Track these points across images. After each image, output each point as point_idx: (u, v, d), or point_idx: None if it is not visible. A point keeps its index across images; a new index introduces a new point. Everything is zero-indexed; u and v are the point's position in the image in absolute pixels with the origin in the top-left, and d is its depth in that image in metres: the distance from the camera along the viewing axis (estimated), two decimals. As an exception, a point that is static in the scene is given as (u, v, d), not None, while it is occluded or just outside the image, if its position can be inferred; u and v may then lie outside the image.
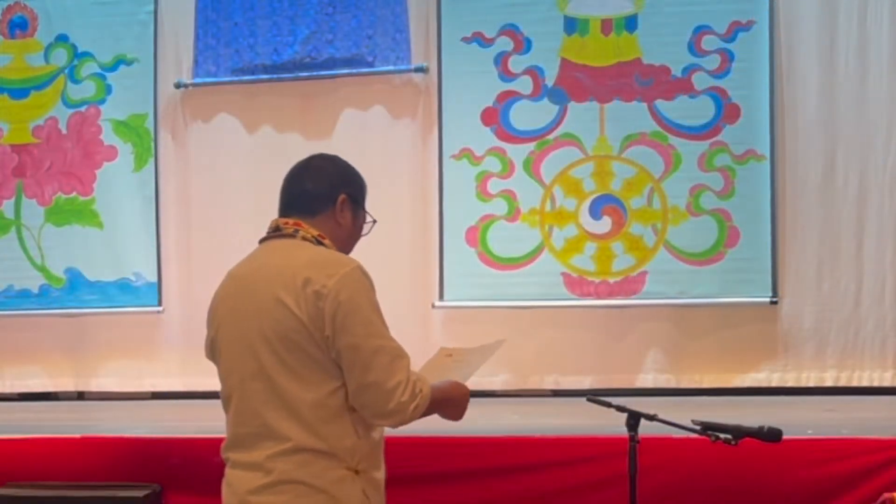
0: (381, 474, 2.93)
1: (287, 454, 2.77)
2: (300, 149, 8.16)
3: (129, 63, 8.35)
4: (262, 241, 3.03)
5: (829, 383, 7.54)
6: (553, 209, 7.76)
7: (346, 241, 3.01)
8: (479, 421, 6.48)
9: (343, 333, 2.74)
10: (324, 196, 3.01)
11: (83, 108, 8.40)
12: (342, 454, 2.80)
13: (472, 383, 8.51)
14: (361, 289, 2.80)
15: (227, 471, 2.90)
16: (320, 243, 2.93)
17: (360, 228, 3.05)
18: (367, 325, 2.76)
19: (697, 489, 5.00)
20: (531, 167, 7.78)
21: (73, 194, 8.38)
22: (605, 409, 3.40)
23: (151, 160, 8.30)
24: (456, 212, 7.88)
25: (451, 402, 2.95)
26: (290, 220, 2.99)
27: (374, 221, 3.09)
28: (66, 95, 8.42)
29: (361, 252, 8.68)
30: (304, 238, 2.93)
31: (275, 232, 3.00)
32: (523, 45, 7.83)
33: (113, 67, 8.37)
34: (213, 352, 2.98)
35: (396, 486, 5.22)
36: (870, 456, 4.95)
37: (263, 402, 2.78)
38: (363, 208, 3.06)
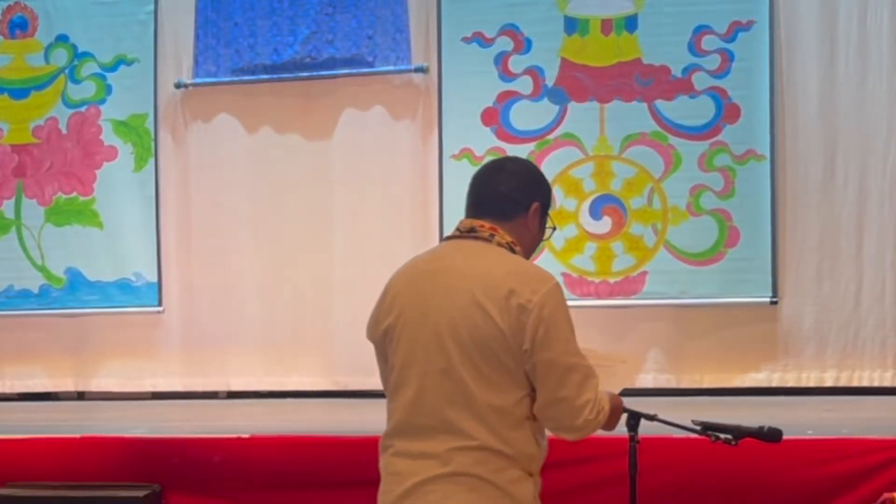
0: (541, 481, 2.97)
1: (469, 450, 2.80)
2: (300, 149, 8.28)
3: (129, 63, 8.35)
4: (449, 238, 3.08)
5: (829, 383, 7.54)
6: (553, 209, 7.75)
7: (531, 247, 3.04)
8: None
9: (542, 349, 2.77)
10: (518, 202, 3.00)
11: (83, 109, 8.40)
12: (522, 459, 2.84)
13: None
14: (562, 306, 2.84)
15: (390, 458, 2.91)
16: (512, 250, 2.95)
17: (544, 232, 3.08)
18: (565, 343, 2.80)
19: (697, 489, 5.01)
20: (531, 167, 7.77)
21: (74, 194, 8.38)
22: (604, 409, 3.40)
23: (151, 160, 8.30)
24: (456, 212, 7.83)
25: (615, 413, 3.00)
26: (486, 224, 2.97)
27: (554, 228, 3.14)
28: (67, 95, 8.42)
29: (361, 252, 8.69)
30: (499, 244, 2.94)
31: (469, 232, 2.99)
32: (523, 45, 7.83)
33: (113, 67, 8.37)
34: (384, 337, 3.07)
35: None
36: (870, 456, 4.95)
37: (447, 399, 2.81)
38: (549, 214, 3.09)
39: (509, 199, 2.98)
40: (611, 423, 2.97)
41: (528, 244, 3.02)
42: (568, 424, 2.82)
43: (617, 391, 3.05)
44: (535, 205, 3.01)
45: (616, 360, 3.23)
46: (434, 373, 2.83)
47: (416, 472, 2.83)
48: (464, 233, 3.01)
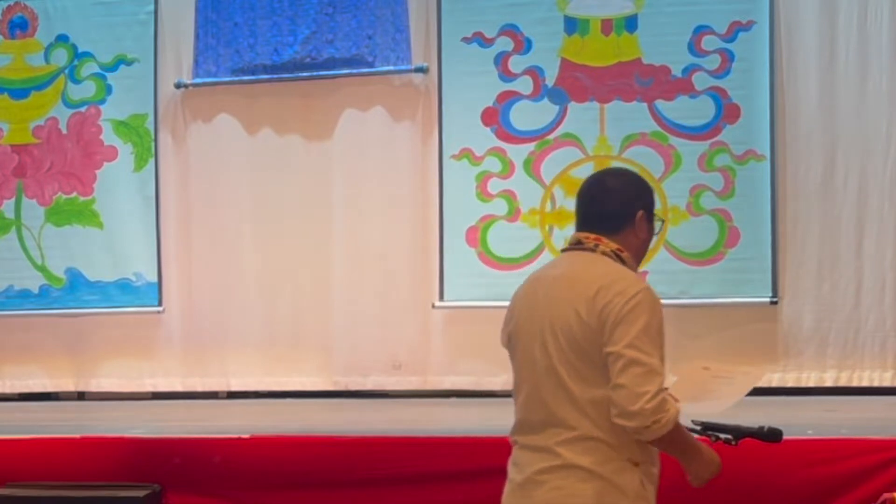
0: (656, 469, 3.15)
1: (574, 441, 3.01)
2: (300, 149, 8.28)
3: (129, 63, 8.35)
4: (563, 250, 3.29)
5: (829, 383, 7.54)
6: (553, 209, 7.76)
7: (642, 249, 3.27)
8: (479, 421, 6.49)
9: (611, 341, 2.98)
10: (622, 215, 3.23)
11: (83, 109, 8.40)
12: (623, 447, 3.01)
13: (473, 383, 8.49)
14: (643, 308, 3.01)
15: (515, 451, 3.14)
16: (618, 256, 3.17)
17: (653, 233, 3.30)
18: (634, 338, 2.97)
19: (697, 489, 5.00)
20: (531, 167, 7.78)
21: (74, 194, 8.38)
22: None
23: (151, 160, 8.30)
24: (456, 212, 7.89)
25: (700, 456, 3.15)
26: (591, 236, 3.20)
27: (663, 221, 3.35)
28: (67, 95, 8.43)
29: (361, 252, 8.68)
30: (603, 252, 3.16)
31: (577, 245, 3.22)
32: (523, 46, 7.83)
33: (113, 67, 8.37)
34: (508, 342, 3.23)
35: (396, 486, 5.25)
36: (870, 456, 4.95)
37: (552, 395, 3.04)
38: (656, 214, 3.30)
39: (612, 215, 3.24)
40: (695, 466, 3.15)
41: (638, 248, 3.26)
42: (625, 409, 2.94)
43: (734, 398, 3.24)
44: (640, 214, 3.24)
45: (737, 372, 3.39)
46: (541, 372, 3.07)
47: (532, 464, 3.06)
48: (573, 245, 3.23)
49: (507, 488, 3.15)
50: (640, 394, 2.93)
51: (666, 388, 3.01)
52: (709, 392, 3.24)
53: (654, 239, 3.31)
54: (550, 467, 3.02)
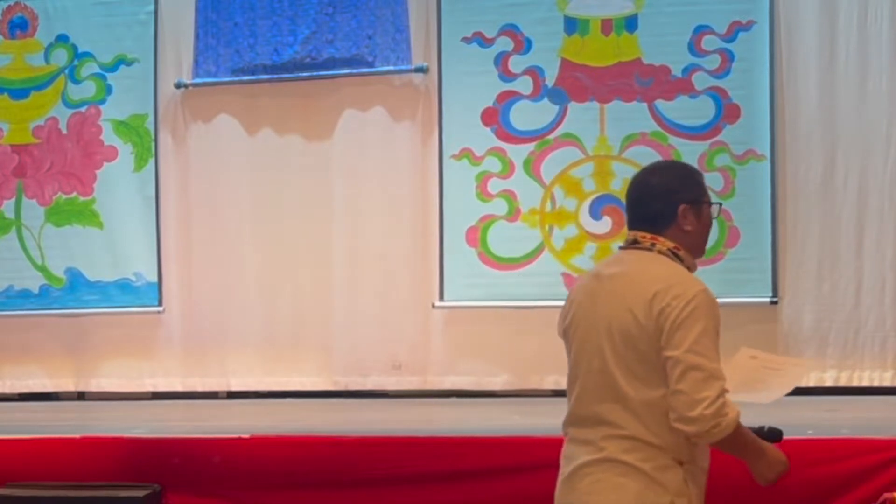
0: (705, 463, 3.18)
1: (619, 439, 3.06)
2: (300, 149, 8.28)
3: (129, 63, 8.35)
4: (622, 247, 3.27)
5: (829, 383, 7.54)
6: (553, 209, 7.76)
7: (698, 241, 3.24)
8: (479, 421, 6.49)
9: (669, 346, 3.00)
10: (666, 214, 3.17)
11: (83, 109, 8.40)
12: (670, 448, 3.04)
13: (473, 383, 8.48)
14: (701, 312, 3.06)
15: (566, 444, 3.20)
16: (675, 255, 3.18)
17: (709, 219, 3.23)
18: (693, 343, 3.00)
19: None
20: (531, 167, 7.78)
21: (74, 194, 8.38)
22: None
23: (151, 160, 8.30)
24: (456, 212, 7.89)
25: (763, 456, 3.21)
26: (648, 235, 3.18)
27: (720, 204, 3.26)
28: (67, 95, 8.43)
29: (361, 252, 8.67)
30: (660, 251, 3.17)
31: (634, 244, 3.20)
32: (523, 46, 7.83)
33: (113, 67, 8.37)
34: (564, 336, 3.31)
35: (395, 486, 5.24)
36: (870, 456, 4.94)
37: (600, 397, 3.09)
38: (705, 200, 3.21)
39: (659, 215, 3.17)
40: (759, 466, 3.23)
41: (692, 242, 3.22)
42: (684, 415, 2.97)
43: (784, 390, 3.32)
44: (682, 208, 3.16)
45: (789, 364, 3.34)
46: (594, 372, 3.11)
47: (579, 456, 3.11)
48: (629, 244, 3.22)
49: (558, 481, 3.20)
50: (699, 400, 2.95)
51: (727, 391, 3.02)
52: (757, 382, 3.26)
53: (713, 224, 3.24)
54: (594, 460, 3.07)
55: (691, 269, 3.22)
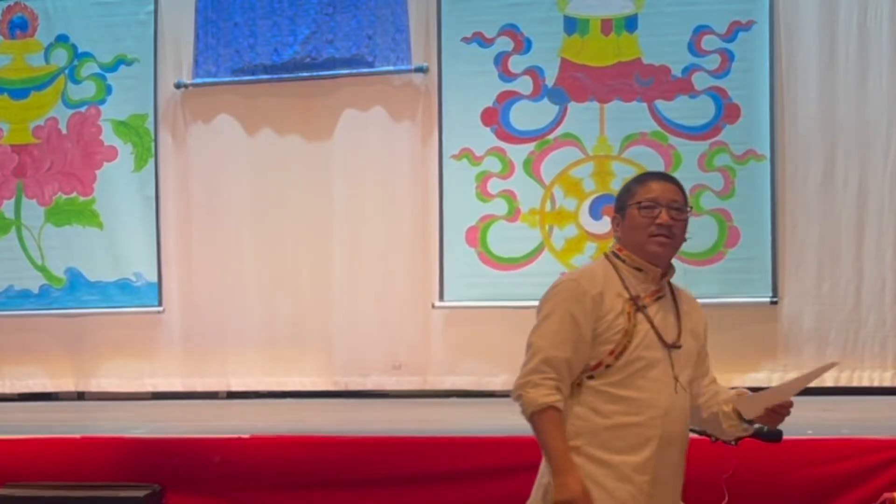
0: (607, 456, 3.16)
1: None
2: (300, 149, 8.28)
3: (129, 63, 8.35)
4: None
5: (829, 383, 7.51)
6: (553, 209, 7.76)
7: (632, 240, 3.31)
8: (479, 421, 6.49)
9: None
10: (612, 225, 3.43)
11: (83, 109, 8.40)
12: (569, 431, 3.19)
13: (473, 383, 8.47)
14: (551, 297, 3.27)
15: None
16: (617, 255, 3.32)
17: (636, 219, 3.30)
18: (537, 325, 3.26)
19: (697, 489, 5.00)
20: (531, 167, 7.78)
21: (74, 194, 8.38)
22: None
23: (151, 160, 8.30)
24: (456, 212, 7.88)
25: (557, 475, 3.17)
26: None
27: (643, 205, 3.32)
28: (67, 96, 8.43)
29: (361, 252, 8.64)
30: (605, 254, 3.37)
31: None
32: (523, 46, 7.83)
33: (113, 68, 8.37)
34: None
35: (395, 486, 5.24)
36: (870, 456, 4.95)
37: None
38: (630, 205, 3.35)
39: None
40: (546, 455, 3.22)
41: (629, 243, 3.31)
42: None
43: (800, 384, 3.23)
44: (612, 217, 3.41)
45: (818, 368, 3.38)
46: None
47: None
48: None
49: None
50: (521, 371, 3.20)
51: (546, 374, 3.15)
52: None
53: (647, 221, 3.28)
54: None
55: (643, 268, 3.26)
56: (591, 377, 3.20)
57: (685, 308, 3.30)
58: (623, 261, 3.28)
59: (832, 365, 3.34)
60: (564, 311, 3.22)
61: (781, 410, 3.17)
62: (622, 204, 3.37)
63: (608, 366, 3.18)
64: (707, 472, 4.96)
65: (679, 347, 3.21)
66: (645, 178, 3.43)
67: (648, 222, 3.26)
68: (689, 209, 3.32)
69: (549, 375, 3.18)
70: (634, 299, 3.21)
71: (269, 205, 8.22)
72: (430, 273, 7.95)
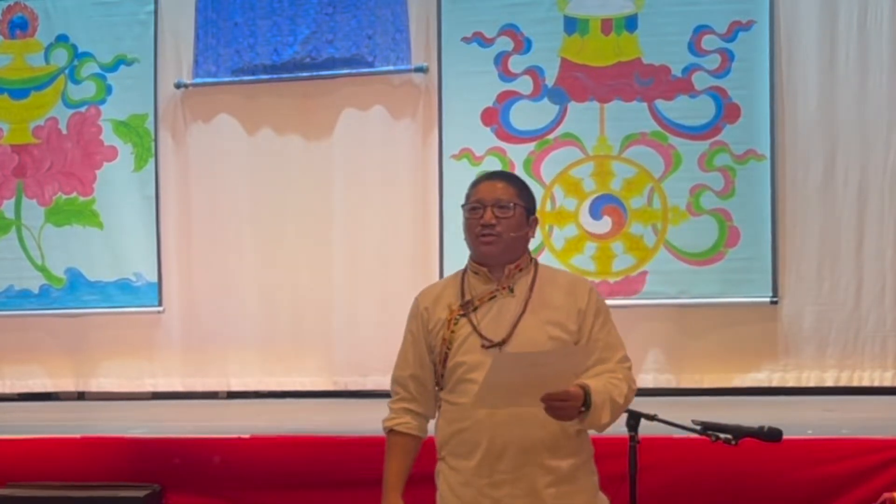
0: (454, 462, 3.24)
1: None
2: (300, 149, 8.28)
3: (129, 63, 8.35)
4: None
5: (829, 383, 7.54)
6: (553, 209, 7.76)
7: (468, 242, 3.38)
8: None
9: None
10: None
11: (83, 109, 8.40)
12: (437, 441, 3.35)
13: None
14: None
15: None
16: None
17: (467, 224, 3.36)
18: None
19: (697, 489, 5.01)
20: (531, 167, 7.78)
21: (74, 194, 8.38)
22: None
23: (151, 160, 8.30)
24: (456, 212, 7.82)
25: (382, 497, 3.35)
26: None
27: (469, 207, 3.36)
28: (67, 95, 8.42)
29: (361, 252, 8.63)
30: None
31: None
32: (523, 45, 7.83)
33: (113, 67, 8.37)
34: None
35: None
36: (870, 456, 4.95)
37: None
38: (463, 208, 3.39)
39: None
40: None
41: (468, 245, 3.40)
42: None
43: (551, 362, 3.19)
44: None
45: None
46: None
47: None
48: None
49: None
50: None
51: (394, 397, 3.35)
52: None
53: (474, 223, 3.32)
54: None
55: (477, 270, 3.34)
56: (440, 389, 3.31)
57: (550, 299, 3.26)
58: (469, 267, 3.36)
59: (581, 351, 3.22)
60: (407, 329, 3.46)
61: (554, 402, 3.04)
62: (464, 206, 3.40)
63: (441, 375, 3.28)
64: (707, 471, 4.96)
65: (500, 344, 3.18)
66: (476, 180, 3.44)
67: (475, 223, 3.31)
68: (515, 206, 3.35)
69: (398, 397, 3.35)
70: (464, 305, 3.28)
71: (269, 205, 8.22)
72: (430, 273, 7.93)
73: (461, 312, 3.27)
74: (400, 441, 3.32)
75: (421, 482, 3.39)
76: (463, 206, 3.37)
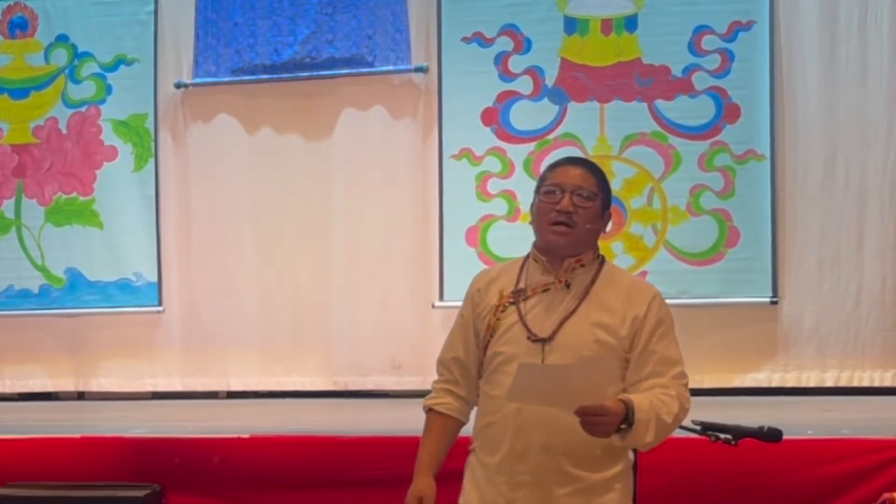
0: (486, 458, 3.13)
1: None
2: (300, 149, 8.28)
3: (129, 63, 8.35)
4: None
5: (829, 383, 7.54)
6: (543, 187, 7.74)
7: (536, 228, 3.20)
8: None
9: None
10: None
11: (83, 109, 8.40)
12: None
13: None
14: None
15: None
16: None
17: (540, 208, 3.17)
18: None
19: (697, 489, 5.00)
20: (531, 167, 7.77)
21: (74, 194, 8.38)
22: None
23: (151, 160, 8.30)
24: (456, 212, 7.88)
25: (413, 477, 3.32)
26: None
27: (545, 189, 3.18)
28: (67, 95, 8.43)
29: (361, 252, 8.63)
30: None
31: None
32: (523, 45, 7.83)
33: (113, 67, 8.37)
34: None
35: (395, 486, 5.22)
36: (870, 456, 4.95)
37: None
38: (537, 191, 3.21)
39: None
40: None
41: (535, 231, 3.24)
42: None
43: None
44: (531, 206, 3.32)
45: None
46: None
47: None
48: None
49: None
50: None
51: (438, 379, 3.22)
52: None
53: (548, 208, 3.18)
54: None
55: (538, 259, 3.17)
56: (481, 377, 3.15)
57: (605, 301, 3.07)
58: (531, 254, 3.19)
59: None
60: (459, 310, 3.24)
61: (588, 417, 2.84)
62: (536, 191, 3.23)
63: (481, 363, 3.14)
64: (707, 471, 4.96)
65: (544, 340, 3.01)
66: (557, 162, 3.25)
67: (549, 208, 3.12)
68: (596, 195, 3.11)
69: (442, 378, 3.20)
70: (516, 293, 3.09)
71: (269, 205, 8.22)
72: (430, 273, 7.95)
73: (511, 300, 3.08)
74: (439, 420, 3.18)
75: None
76: (537, 188, 3.19)
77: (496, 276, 3.18)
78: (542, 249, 3.14)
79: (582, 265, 3.12)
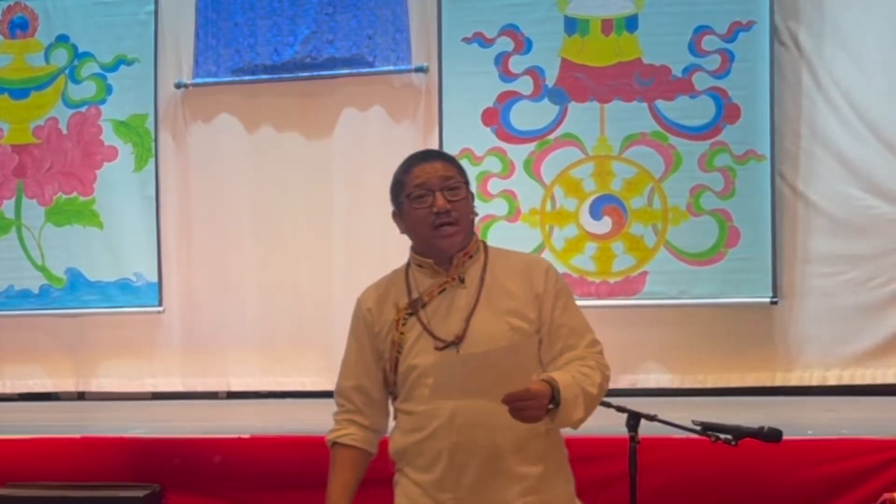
0: (415, 475, 3.04)
1: None
2: (300, 149, 8.28)
3: (129, 63, 8.35)
4: None
5: (830, 383, 7.53)
6: (553, 209, 7.76)
7: (417, 236, 3.03)
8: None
9: None
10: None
11: (83, 109, 8.40)
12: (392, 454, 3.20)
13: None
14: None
15: None
16: (413, 251, 3.07)
17: (414, 216, 2.99)
18: None
19: (697, 489, 5.01)
20: (531, 167, 7.78)
21: (74, 194, 8.38)
22: (605, 409, 3.40)
23: (152, 160, 8.30)
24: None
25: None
26: None
27: (413, 195, 2.99)
28: (67, 95, 8.42)
29: (361, 252, 8.63)
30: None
31: None
32: (524, 46, 7.83)
33: (113, 67, 8.37)
34: None
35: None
36: (870, 456, 4.95)
37: None
38: (404, 201, 3.01)
39: None
40: None
41: (415, 239, 3.06)
42: None
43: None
44: (392, 214, 3.09)
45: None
46: None
47: None
48: None
49: None
50: None
51: (338, 410, 3.18)
52: None
53: (425, 213, 2.96)
54: None
55: (423, 264, 3.02)
56: (394, 398, 3.06)
57: (505, 286, 2.95)
58: (414, 254, 3.04)
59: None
60: (350, 334, 3.09)
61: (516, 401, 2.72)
62: (396, 199, 3.03)
63: (394, 382, 3.01)
64: (707, 472, 4.96)
65: (455, 343, 2.89)
66: (408, 164, 3.03)
67: (426, 213, 2.94)
68: (462, 184, 2.97)
69: (343, 409, 3.13)
70: (412, 303, 2.96)
71: (270, 205, 8.23)
72: (430, 273, 7.94)
73: (409, 311, 2.94)
74: (344, 454, 3.12)
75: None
76: (397, 197, 3.00)
77: (384, 292, 3.04)
78: (426, 253, 3.00)
79: (470, 256, 3.00)
